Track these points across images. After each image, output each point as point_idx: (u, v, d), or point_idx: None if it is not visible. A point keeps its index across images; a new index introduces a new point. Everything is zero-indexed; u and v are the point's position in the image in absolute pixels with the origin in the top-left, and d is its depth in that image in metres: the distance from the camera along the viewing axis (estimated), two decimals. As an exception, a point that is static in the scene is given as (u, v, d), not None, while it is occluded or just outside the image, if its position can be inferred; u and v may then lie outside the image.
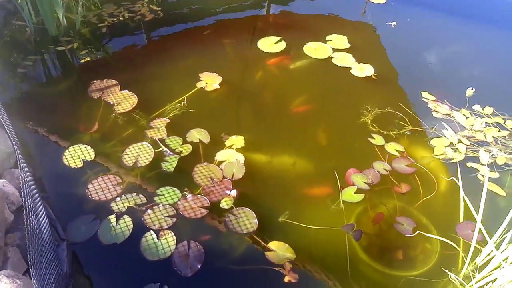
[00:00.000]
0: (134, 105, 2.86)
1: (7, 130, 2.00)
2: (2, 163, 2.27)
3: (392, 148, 2.75)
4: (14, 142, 1.90)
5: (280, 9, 4.20)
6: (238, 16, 4.03)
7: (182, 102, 2.93)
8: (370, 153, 2.71)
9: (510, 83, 3.45)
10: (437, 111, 3.08)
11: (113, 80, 3.05)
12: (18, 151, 1.90)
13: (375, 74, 3.36)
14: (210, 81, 3.14)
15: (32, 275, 1.40)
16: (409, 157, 2.70)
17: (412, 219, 2.34)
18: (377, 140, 2.80)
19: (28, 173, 1.90)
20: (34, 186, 1.94)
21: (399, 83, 3.36)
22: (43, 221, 1.88)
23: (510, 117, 3.05)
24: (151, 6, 3.87)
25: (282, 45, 3.61)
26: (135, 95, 2.94)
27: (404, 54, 3.74)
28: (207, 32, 3.72)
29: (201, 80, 3.14)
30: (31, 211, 1.62)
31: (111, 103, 2.87)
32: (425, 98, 3.20)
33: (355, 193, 2.45)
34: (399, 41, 3.89)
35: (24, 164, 1.85)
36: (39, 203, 1.95)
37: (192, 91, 3.03)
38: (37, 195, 1.95)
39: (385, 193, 2.48)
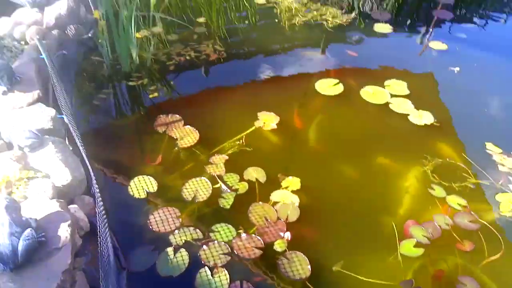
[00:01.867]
0: (195, 141, 3.00)
1: (85, 158, 2.16)
2: (74, 190, 2.45)
3: (454, 201, 2.64)
4: (90, 169, 2.05)
5: (338, 50, 4.28)
6: (296, 56, 4.15)
7: (241, 140, 3.02)
8: (430, 205, 2.62)
9: None
10: (503, 165, 2.94)
11: (177, 116, 3.22)
12: (94, 178, 2.04)
13: (436, 121, 3.29)
14: (268, 120, 3.23)
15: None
16: (472, 212, 2.58)
17: (476, 280, 2.21)
18: (438, 191, 2.70)
19: (101, 201, 2.03)
20: (105, 215, 2.06)
21: (462, 133, 3.25)
22: (110, 249, 1.99)
23: None
24: (215, 46, 4.09)
25: (340, 88, 3.65)
26: (196, 131, 3.07)
27: (467, 102, 3.64)
28: (266, 72, 3.85)
29: (259, 119, 3.23)
30: (104, 238, 1.72)
31: (175, 137, 3.03)
32: (490, 149, 3.07)
33: (414, 246, 2.36)
34: (462, 88, 3.79)
35: (98, 192, 1.99)
36: (107, 231, 2.07)
37: (250, 130, 3.12)
38: (106, 223, 2.07)
39: (446, 249, 2.38)
